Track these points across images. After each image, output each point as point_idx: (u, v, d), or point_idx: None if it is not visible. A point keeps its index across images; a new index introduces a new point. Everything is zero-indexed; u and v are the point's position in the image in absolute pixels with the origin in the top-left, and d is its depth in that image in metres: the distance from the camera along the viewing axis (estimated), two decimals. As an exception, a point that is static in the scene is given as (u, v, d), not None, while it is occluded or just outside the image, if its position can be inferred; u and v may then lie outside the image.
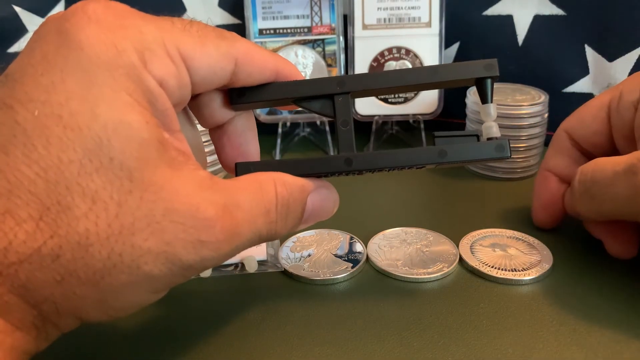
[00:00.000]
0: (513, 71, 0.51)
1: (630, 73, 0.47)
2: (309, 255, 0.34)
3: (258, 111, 0.51)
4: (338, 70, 0.51)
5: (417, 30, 0.50)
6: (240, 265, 0.32)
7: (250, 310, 0.29)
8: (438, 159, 0.25)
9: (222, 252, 0.21)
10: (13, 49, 0.50)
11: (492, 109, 0.25)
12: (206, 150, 0.38)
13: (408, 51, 0.50)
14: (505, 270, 0.32)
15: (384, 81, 0.26)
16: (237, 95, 0.25)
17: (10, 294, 0.18)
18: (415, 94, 0.51)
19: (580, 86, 0.50)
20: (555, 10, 0.49)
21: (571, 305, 0.29)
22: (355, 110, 0.51)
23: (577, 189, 0.31)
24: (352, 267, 0.32)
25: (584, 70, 0.50)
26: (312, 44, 0.51)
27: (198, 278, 0.32)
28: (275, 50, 0.51)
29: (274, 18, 0.50)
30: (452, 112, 0.53)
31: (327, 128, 0.53)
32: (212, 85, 0.23)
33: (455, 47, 0.54)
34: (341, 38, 0.51)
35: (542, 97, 0.45)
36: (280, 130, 0.52)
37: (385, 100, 0.51)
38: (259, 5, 0.50)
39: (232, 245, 0.21)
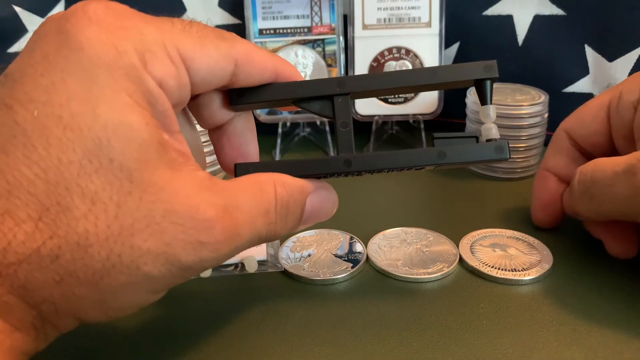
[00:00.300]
0: (513, 71, 0.51)
1: (630, 73, 0.47)
2: (309, 255, 0.34)
3: (258, 111, 0.51)
4: (338, 70, 0.51)
5: (417, 30, 0.50)
6: (240, 265, 0.32)
7: (250, 310, 0.29)
8: (437, 160, 0.25)
9: (221, 253, 0.21)
10: (13, 49, 0.50)
11: (492, 110, 0.26)
12: (205, 150, 0.38)
13: (408, 51, 0.50)
14: (505, 270, 0.32)
15: (384, 82, 0.26)
16: (237, 96, 0.25)
17: (10, 295, 0.18)
18: (415, 94, 0.51)
19: (580, 86, 0.50)
20: (555, 10, 0.49)
21: (571, 305, 0.29)
22: (355, 110, 0.51)
23: (576, 189, 0.31)
24: (352, 267, 0.32)
25: (584, 70, 0.50)
26: (312, 44, 0.51)
27: (198, 278, 0.32)
28: (275, 50, 0.51)
29: (274, 18, 0.50)
30: (452, 112, 0.53)
31: (327, 128, 0.53)
32: (211, 86, 0.23)
33: (455, 47, 0.54)
34: (341, 38, 0.51)
35: (542, 97, 0.45)
36: (280, 130, 0.52)
37: (385, 100, 0.51)
38: (259, 5, 0.50)
39: (231, 246, 0.21)
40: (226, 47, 0.23)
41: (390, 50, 0.50)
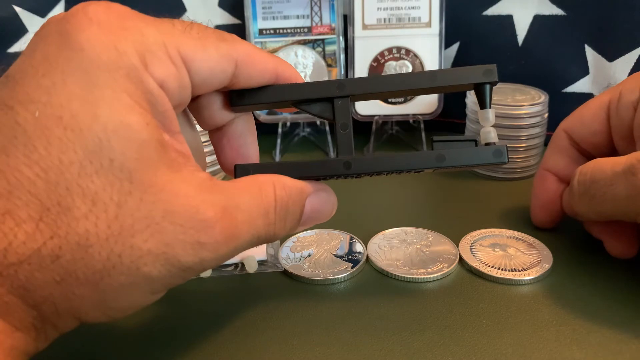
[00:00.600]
0: (513, 71, 0.51)
1: (630, 73, 0.47)
2: (309, 255, 0.34)
3: (258, 111, 0.51)
4: (338, 70, 0.51)
5: (417, 30, 0.50)
6: (240, 265, 0.32)
7: (250, 310, 0.29)
8: (436, 163, 0.25)
9: (220, 253, 0.21)
10: (13, 49, 0.50)
11: (491, 114, 0.26)
12: (205, 150, 0.38)
13: (408, 51, 0.50)
14: (505, 270, 0.32)
15: (384, 85, 0.26)
16: (237, 97, 0.25)
17: (10, 295, 0.18)
18: (415, 94, 0.51)
19: (580, 86, 0.50)
20: (555, 10, 0.49)
21: (571, 305, 0.29)
22: (355, 110, 0.51)
23: (576, 189, 0.31)
24: (352, 267, 0.32)
25: (584, 70, 0.50)
26: (312, 44, 0.51)
27: (198, 278, 0.32)
28: (275, 50, 0.51)
29: (274, 18, 0.50)
30: (451, 112, 0.53)
31: (327, 128, 0.53)
32: (212, 87, 0.23)
33: (455, 47, 0.54)
34: (341, 38, 0.51)
35: (542, 97, 0.45)
36: (280, 130, 0.52)
37: (385, 100, 0.51)
38: (259, 5, 0.50)
39: (230, 247, 0.21)
40: (227, 48, 0.23)
41: (390, 50, 0.50)
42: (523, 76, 0.50)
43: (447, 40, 0.52)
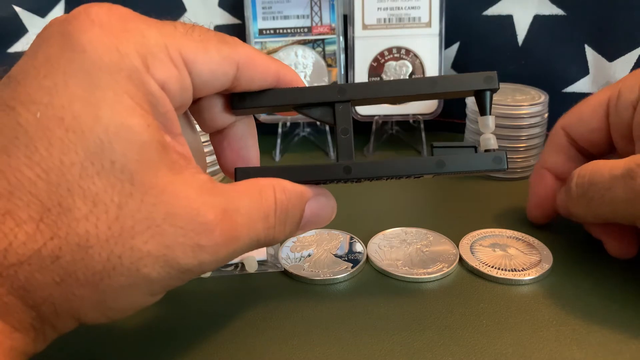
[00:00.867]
0: (513, 71, 0.51)
1: (630, 73, 0.47)
2: (309, 255, 0.34)
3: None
4: (338, 70, 0.51)
5: (417, 30, 0.50)
6: (241, 265, 0.32)
7: (250, 310, 0.29)
8: (436, 169, 0.25)
9: (220, 256, 0.21)
10: (13, 49, 0.50)
11: (491, 121, 0.26)
12: (205, 150, 0.38)
13: (408, 51, 0.50)
14: (505, 270, 0.32)
15: (384, 91, 0.26)
16: (238, 100, 0.25)
17: (10, 295, 0.18)
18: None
19: (580, 86, 0.50)
20: (555, 10, 0.49)
21: (571, 305, 0.29)
22: (355, 111, 0.51)
23: (574, 191, 0.31)
24: (352, 267, 0.32)
25: (584, 70, 0.50)
26: (312, 44, 0.51)
27: (198, 278, 0.32)
28: (275, 50, 0.51)
29: (274, 18, 0.50)
30: (451, 112, 0.53)
31: (327, 128, 0.53)
32: (213, 89, 0.23)
33: (455, 47, 0.54)
34: (341, 38, 0.51)
35: (542, 97, 0.45)
36: (280, 130, 0.52)
37: (385, 100, 0.51)
38: (259, 5, 0.50)
39: (230, 250, 0.21)
40: (228, 51, 0.23)
41: (390, 50, 0.50)
42: (523, 76, 0.50)
43: (447, 40, 0.52)
